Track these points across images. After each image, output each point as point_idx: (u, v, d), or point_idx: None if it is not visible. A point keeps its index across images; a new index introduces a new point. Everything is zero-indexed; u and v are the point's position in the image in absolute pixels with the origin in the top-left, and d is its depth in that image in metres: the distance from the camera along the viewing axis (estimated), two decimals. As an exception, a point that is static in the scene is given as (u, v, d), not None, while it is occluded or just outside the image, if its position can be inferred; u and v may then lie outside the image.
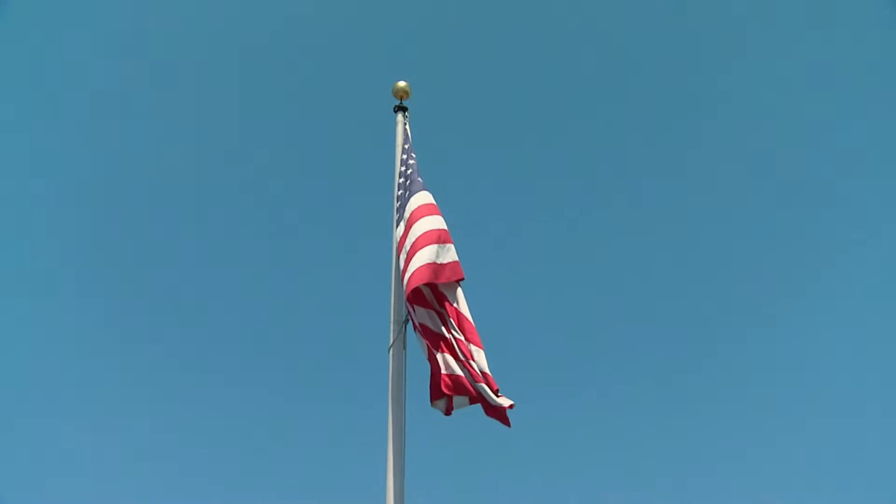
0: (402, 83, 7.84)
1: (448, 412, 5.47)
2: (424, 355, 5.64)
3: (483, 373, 5.19)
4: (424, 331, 5.65)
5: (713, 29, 20.40)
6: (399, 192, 6.85)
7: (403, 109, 7.78)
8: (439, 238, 5.88)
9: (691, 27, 20.53)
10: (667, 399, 17.55)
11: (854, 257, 17.77)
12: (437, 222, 6.05)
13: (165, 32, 19.38)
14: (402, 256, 5.99)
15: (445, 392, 5.32)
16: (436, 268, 5.69)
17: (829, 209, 18.40)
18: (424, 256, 5.71)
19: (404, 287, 5.69)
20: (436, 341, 5.54)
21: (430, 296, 5.82)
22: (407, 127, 7.61)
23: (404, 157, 7.19)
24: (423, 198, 6.36)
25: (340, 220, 19.92)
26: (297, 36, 20.88)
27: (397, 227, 6.49)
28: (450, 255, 5.84)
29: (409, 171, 6.97)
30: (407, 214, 6.29)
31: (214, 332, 18.44)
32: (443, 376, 5.33)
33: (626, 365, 18.39)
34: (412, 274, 5.62)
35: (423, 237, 5.88)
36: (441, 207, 6.61)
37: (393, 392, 5.71)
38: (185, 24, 19.61)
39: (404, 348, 5.93)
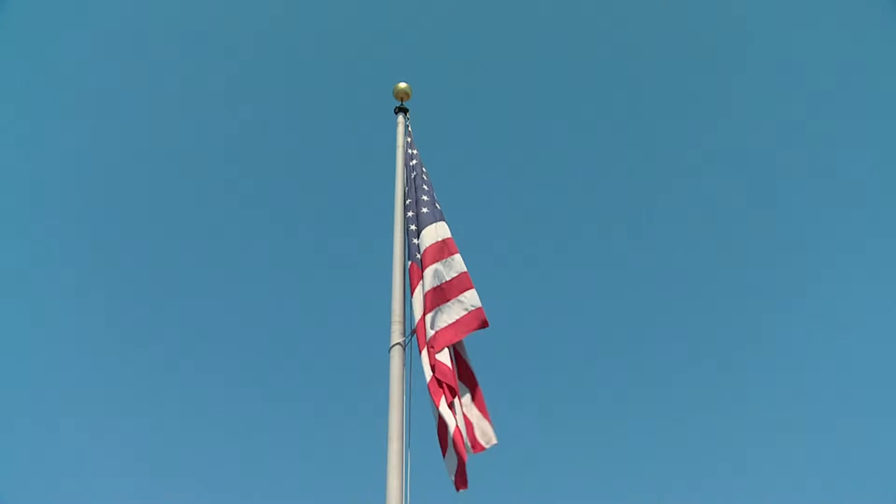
0: (402, 84, 7.87)
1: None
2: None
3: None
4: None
5: (715, 31, 20.45)
6: (409, 202, 6.89)
7: (404, 111, 7.80)
8: (459, 288, 5.99)
9: (693, 27, 20.57)
10: (668, 400, 17.59)
11: (857, 257, 17.82)
12: (451, 269, 6.13)
13: (165, 32, 19.42)
14: (420, 294, 6.08)
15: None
16: (457, 327, 5.81)
17: (832, 209, 18.43)
18: (445, 317, 5.84)
19: (427, 341, 5.77)
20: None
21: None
22: (409, 129, 7.62)
23: (413, 162, 7.22)
24: (436, 232, 6.43)
25: (341, 221, 19.95)
26: (297, 37, 20.91)
27: (412, 237, 6.56)
28: (472, 302, 5.92)
29: (414, 176, 7.04)
30: (428, 243, 6.36)
31: (214, 333, 18.46)
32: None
33: (628, 366, 18.43)
34: (437, 335, 5.73)
35: (440, 290, 6.00)
36: (442, 209, 6.66)
37: (393, 392, 5.71)
38: (185, 25, 19.64)
39: (404, 349, 5.94)
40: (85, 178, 18.43)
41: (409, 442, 5.43)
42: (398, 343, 5.90)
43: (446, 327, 5.79)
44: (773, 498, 14.59)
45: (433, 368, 5.59)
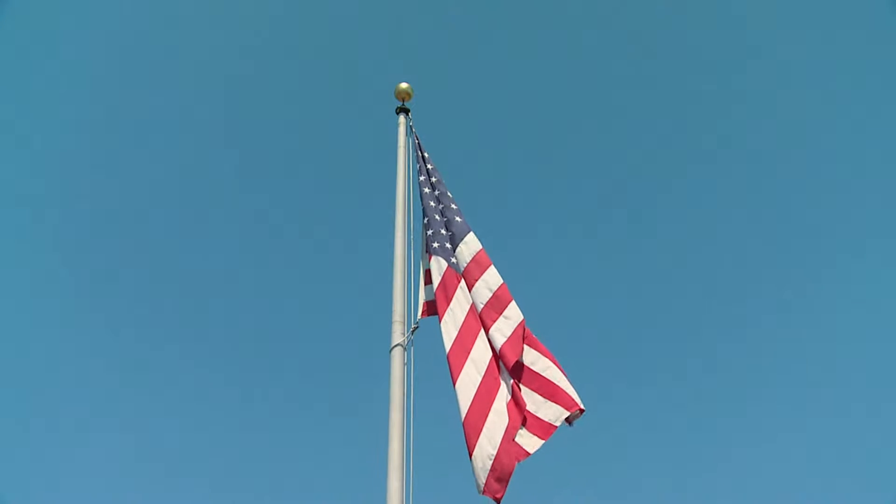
0: (403, 84, 7.87)
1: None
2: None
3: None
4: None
5: (715, 30, 20.46)
6: (430, 203, 6.92)
7: (405, 111, 7.80)
8: (503, 303, 6.03)
9: (693, 28, 20.58)
10: (668, 399, 17.59)
11: (856, 257, 17.82)
12: (495, 282, 6.18)
13: (166, 33, 19.42)
14: (466, 302, 6.09)
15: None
16: (512, 343, 5.80)
17: (830, 209, 18.44)
18: (500, 336, 5.82)
19: (499, 351, 5.76)
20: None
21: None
22: (415, 130, 7.63)
23: (430, 167, 7.27)
24: (474, 243, 6.51)
25: (342, 221, 19.96)
26: (298, 37, 20.91)
27: (444, 241, 6.57)
28: (517, 315, 5.97)
29: (433, 181, 7.11)
30: (463, 262, 6.39)
31: (215, 333, 18.48)
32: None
33: (630, 365, 18.44)
34: (506, 347, 5.72)
35: (493, 308, 6.01)
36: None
37: (394, 393, 5.71)
38: (185, 25, 19.64)
39: (405, 349, 5.94)
40: (85, 177, 18.46)
41: (409, 442, 5.44)
42: (399, 344, 5.90)
43: (505, 344, 5.78)
44: (774, 498, 14.61)
45: (516, 376, 5.65)
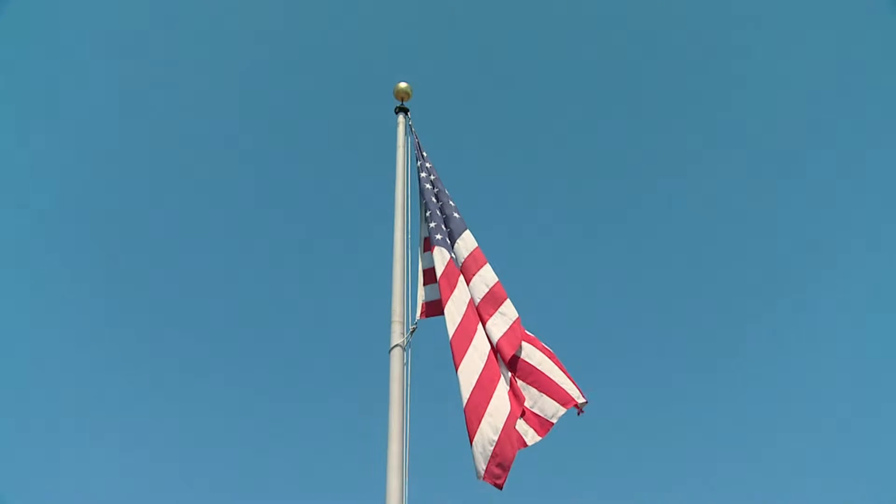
0: (403, 84, 7.87)
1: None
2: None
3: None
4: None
5: (714, 30, 20.45)
6: (432, 199, 6.96)
7: (405, 110, 7.80)
8: (498, 301, 6.08)
9: (693, 27, 20.57)
10: (666, 400, 17.59)
11: (855, 258, 17.81)
12: (490, 278, 6.23)
13: (167, 33, 19.42)
14: (466, 295, 6.13)
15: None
16: (508, 339, 5.83)
17: (831, 209, 18.43)
18: (496, 331, 5.85)
19: (496, 348, 5.77)
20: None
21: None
22: (414, 130, 7.64)
23: (429, 165, 7.31)
24: (471, 241, 6.57)
25: (342, 221, 19.95)
26: (298, 37, 20.91)
27: (444, 235, 6.63)
28: (511, 313, 6.00)
29: (433, 178, 7.17)
30: (461, 257, 6.45)
31: (215, 334, 18.47)
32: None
33: (627, 366, 18.43)
34: (502, 341, 5.75)
35: (489, 303, 6.06)
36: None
37: (393, 393, 5.71)
38: (186, 25, 19.65)
39: (404, 349, 5.94)
40: (85, 176, 18.46)
41: (409, 442, 5.44)
42: (398, 344, 5.90)
43: (501, 339, 5.81)
44: (772, 498, 14.60)
45: (512, 368, 5.67)
